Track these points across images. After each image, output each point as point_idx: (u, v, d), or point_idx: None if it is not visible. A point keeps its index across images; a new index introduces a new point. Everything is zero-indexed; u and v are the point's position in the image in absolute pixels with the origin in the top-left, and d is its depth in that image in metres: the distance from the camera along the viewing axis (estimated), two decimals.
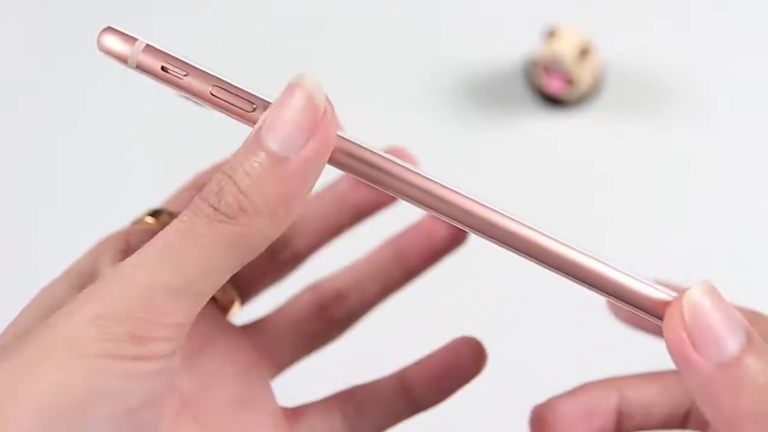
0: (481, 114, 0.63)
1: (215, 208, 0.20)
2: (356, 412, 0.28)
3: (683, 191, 0.59)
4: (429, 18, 0.68)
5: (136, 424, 0.21)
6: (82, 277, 0.25)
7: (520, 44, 0.64)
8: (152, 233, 0.27)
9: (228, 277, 0.21)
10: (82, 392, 0.20)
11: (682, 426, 0.28)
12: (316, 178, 0.21)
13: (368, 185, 0.22)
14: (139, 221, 0.28)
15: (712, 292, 0.20)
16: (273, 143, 0.20)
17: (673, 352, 0.20)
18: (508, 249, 0.22)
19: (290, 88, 0.21)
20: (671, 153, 0.60)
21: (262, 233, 0.21)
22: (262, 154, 0.20)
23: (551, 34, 0.60)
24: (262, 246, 0.21)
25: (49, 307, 0.23)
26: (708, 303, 0.20)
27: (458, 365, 0.29)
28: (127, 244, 0.26)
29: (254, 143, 0.21)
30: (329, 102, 0.21)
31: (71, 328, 0.20)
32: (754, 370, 0.20)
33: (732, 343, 0.20)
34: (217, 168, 0.30)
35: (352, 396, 0.29)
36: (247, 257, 0.21)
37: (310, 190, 0.21)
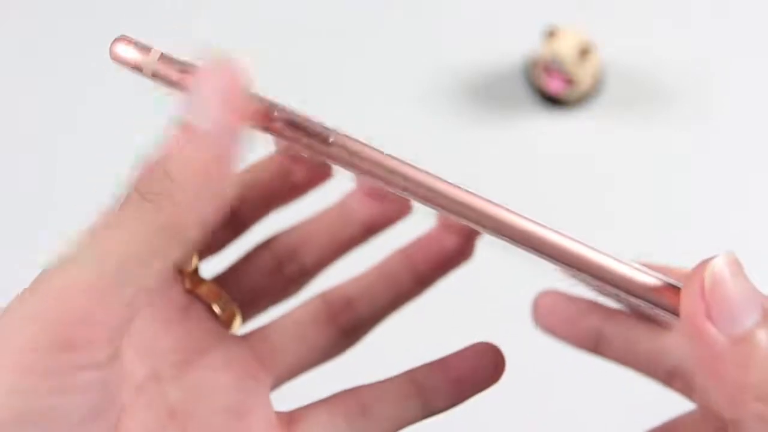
0: (481, 114, 0.63)
1: (141, 193, 0.20)
2: (361, 414, 0.27)
3: (683, 191, 0.59)
4: (429, 18, 0.68)
5: None
6: None
7: (520, 44, 0.64)
8: None
9: (166, 265, 0.20)
10: (8, 417, 0.18)
11: (666, 383, 0.29)
12: (238, 147, 0.21)
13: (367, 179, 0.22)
14: None
15: (735, 264, 0.20)
16: (194, 121, 0.20)
17: (687, 321, 0.20)
18: (505, 240, 0.22)
19: (202, 69, 0.21)
20: (671, 153, 0.60)
21: (193, 212, 0.20)
22: (184, 135, 0.20)
23: (551, 34, 0.60)
24: (195, 229, 0.20)
25: None
26: (728, 274, 0.20)
27: (478, 370, 0.28)
28: None
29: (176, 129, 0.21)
30: (236, 69, 0.21)
31: None
32: (766, 346, 0.20)
33: (747, 318, 0.20)
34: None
35: (356, 396, 0.27)
36: (181, 242, 0.20)
37: (236, 163, 0.21)
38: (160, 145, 0.21)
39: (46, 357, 0.19)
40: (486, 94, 0.63)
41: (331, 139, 0.22)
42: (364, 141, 0.22)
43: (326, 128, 0.22)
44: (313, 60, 0.65)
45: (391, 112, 0.63)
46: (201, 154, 0.20)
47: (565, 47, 0.59)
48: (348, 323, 0.29)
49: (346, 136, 0.22)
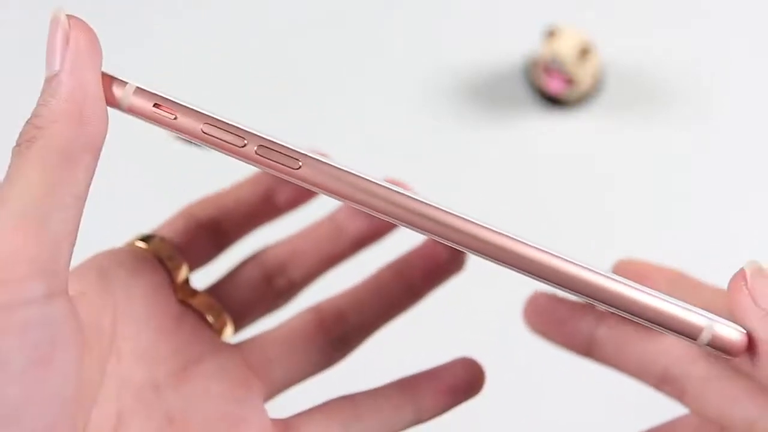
0: (481, 114, 0.63)
1: (18, 144, 0.21)
2: (356, 421, 0.27)
3: (683, 191, 0.59)
4: (429, 18, 0.68)
5: (26, 389, 0.20)
6: None
7: (520, 44, 0.64)
8: (142, 256, 0.27)
9: (75, 192, 0.21)
10: None
11: (658, 387, 0.29)
12: (94, 75, 0.22)
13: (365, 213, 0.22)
14: (130, 245, 0.27)
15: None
16: (48, 71, 0.22)
17: (744, 317, 0.22)
18: (505, 267, 0.22)
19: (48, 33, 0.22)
20: (671, 153, 0.60)
21: (68, 135, 0.21)
22: (44, 86, 0.22)
23: (551, 34, 0.60)
24: (83, 152, 0.21)
25: None
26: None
27: (463, 383, 0.29)
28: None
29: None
30: (66, 14, 0.22)
31: None
32: None
33: None
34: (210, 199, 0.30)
35: (351, 403, 0.28)
36: (75, 166, 0.21)
37: (97, 86, 0.22)
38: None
39: None
40: (486, 94, 0.63)
41: (300, 164, 0.22)
42: (335, 164, 0.22)
43: (296, 152, 0.22)
44: (313, 60, 0.65)
45: (391, 112, 0.63)
46: (59, 90, 0.21)
47: (565, 47, 0.59)
48: (340, 335, 0.29)
49: (317, 161, 0.22)
